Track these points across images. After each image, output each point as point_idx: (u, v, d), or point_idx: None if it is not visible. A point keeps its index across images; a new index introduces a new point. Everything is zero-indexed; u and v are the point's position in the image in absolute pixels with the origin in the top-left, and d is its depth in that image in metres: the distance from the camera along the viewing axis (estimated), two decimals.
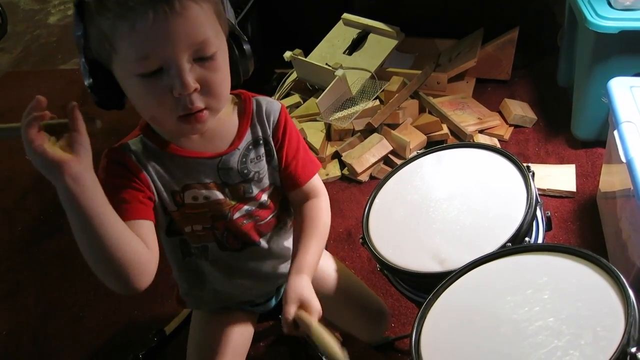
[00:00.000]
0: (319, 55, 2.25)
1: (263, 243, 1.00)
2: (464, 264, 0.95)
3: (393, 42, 2.17)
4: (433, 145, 1.25)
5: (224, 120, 0.91)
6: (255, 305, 1.11)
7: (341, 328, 1.22)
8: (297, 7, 2.56)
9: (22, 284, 1.87)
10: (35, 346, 1.66)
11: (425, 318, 0.90)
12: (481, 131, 2.07)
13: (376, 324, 1.24)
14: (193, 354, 1.07)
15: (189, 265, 1.01)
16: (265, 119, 0.94)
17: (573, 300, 0.81)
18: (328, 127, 2.12)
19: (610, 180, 1.58)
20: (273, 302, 1.12)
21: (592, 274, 0.84)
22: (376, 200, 1.17)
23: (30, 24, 3.66)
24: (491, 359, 0.80)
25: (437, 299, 0.92)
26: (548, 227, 1.06)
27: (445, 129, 2.05)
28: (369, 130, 2.06)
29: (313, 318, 0.87)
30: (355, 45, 2.24)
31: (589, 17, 1.66)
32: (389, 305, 1.53)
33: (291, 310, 0.87)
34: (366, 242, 1.09)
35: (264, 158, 0.95)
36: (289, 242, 1.04)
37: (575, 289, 0.83)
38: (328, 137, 2.13)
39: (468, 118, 2.09)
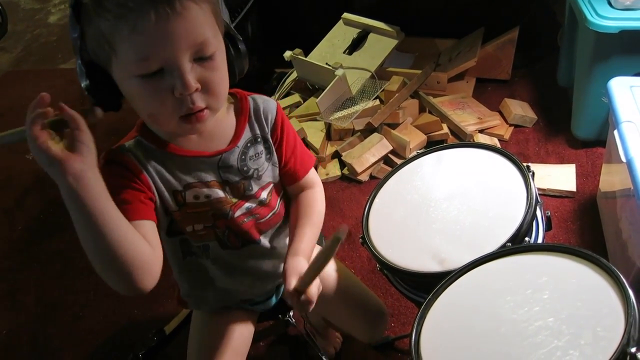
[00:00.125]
0: (319, 55, 2.25)
1: (263, 241, 1.01)
2: (464, 263, 0.95)
3: (393, 42, 2.17)
4: (433, 145, 1.25)
5: (221, 119, 0.91)
6: (255, 304, 1.11)
7: (341, 328, 1.22)
8: (297, 7, 2.56)
9: (22, 283, 1.88)
10: (35, 346, 1.66)
11: (425, 318, 0.90)
12: (481, 131, 2.07)
13: (375, 325, 1.24)
14: (193, 354, 1.07)
15: (190, 265, 1.01)
16: (263, 117, 0.95)
17: (573, 300, 0.81)
18: (328, 126, 2.12)
19: (611, 180, 1.58)
20: (273, 300, 1.12)
21: (592, 274, 0.84)
22: (376, 200, 1.17)
23: (31, 23, 3.66)
24: (491, 358, 0.80)
25: (437, 298, 0.92)
26: (548, 227, 1.06)
27: (445, 129, 2.05)
28: (369, 130, 2.06)
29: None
30: (355, 45, 2.24)
31: (589, 17, 1.66)
32: (389, 305, 1.53)
33: (292, 282, 0.88)
34: (366, 241, 1.09)
35: (263, 155, 0.96)
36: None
37: (575, 289, 0.83)
38: (328, 136, 2.13)
39: (468, 118, 2.08)
